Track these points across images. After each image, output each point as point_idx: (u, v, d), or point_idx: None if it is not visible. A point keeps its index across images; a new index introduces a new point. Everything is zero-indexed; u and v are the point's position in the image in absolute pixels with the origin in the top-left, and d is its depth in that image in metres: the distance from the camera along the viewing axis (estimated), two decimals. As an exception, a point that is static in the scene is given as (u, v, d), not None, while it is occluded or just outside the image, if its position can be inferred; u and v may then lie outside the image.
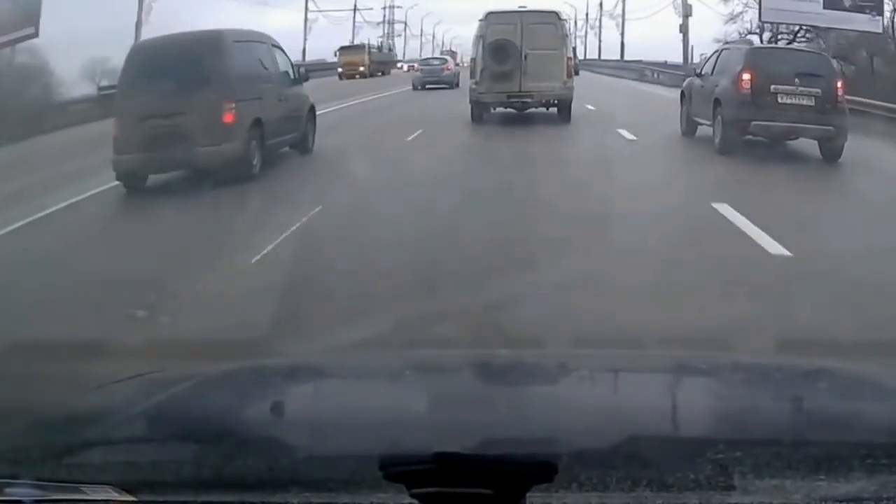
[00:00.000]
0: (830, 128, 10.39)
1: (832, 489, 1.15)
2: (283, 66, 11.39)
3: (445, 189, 8.45)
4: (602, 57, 44.85)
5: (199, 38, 10.28)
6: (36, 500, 1.20)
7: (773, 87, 10.60)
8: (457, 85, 25.17)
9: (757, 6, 28.12)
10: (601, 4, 47.71)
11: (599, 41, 46.69)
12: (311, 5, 42.48)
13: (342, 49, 38.84)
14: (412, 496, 1.08)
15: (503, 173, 9.52)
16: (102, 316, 4.77)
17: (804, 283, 5.21)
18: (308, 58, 36.28)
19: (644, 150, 11.73)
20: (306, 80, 12.31)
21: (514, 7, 15.57)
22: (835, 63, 13.08)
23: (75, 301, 5.19)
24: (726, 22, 32.33)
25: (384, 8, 49.40)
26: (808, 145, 10.92)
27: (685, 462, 1.18)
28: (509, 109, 15.02)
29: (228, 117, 9.41)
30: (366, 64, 37.37)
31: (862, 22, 23.04)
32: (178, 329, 4.44)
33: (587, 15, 51.93)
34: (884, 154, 11.57)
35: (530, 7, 15.60)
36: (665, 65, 29.35)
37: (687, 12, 28.35)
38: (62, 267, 6.27)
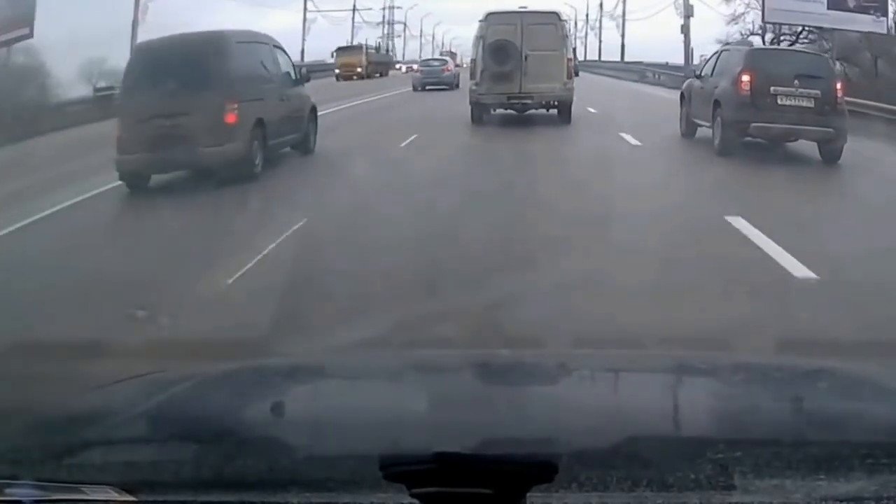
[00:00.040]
0: (830, 129, 10.40)
1: (832, 489, 1.15)
2: (285, 66, 11.46)
3: (442, 201, 7.86)
4: (602, 58, 44.86)
5: (202, 38, 10.34)
6: (36, 500, 1.20)
7: (772, 88, 10.60)
8: (457, 86, 25.18)
9: (759, 7, 28.10)
10: (601, 5, 47.74)
11: (599, 42, 46.69)
12: (309, 5, 42.41)
13: (339, 50, 38.63)
14: (412, 496, 1.08)
15: (503, 174, 9.54)
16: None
17: (838, 313, 4.69)
18: (307, 58, 36.19)
19: (649, 156, 11.44)
20: (307, 80, 12.37)
21: (515, 8, 15.56)
22: (838, 65, 13.09)
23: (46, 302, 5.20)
24: (728, 23, 32.32)
25: (383, 8, 49.38)
26: (808, 147, 10.87)
27: (685, 462, 1.18)
28: (509, 111, 15.02)
29: (231, 118, 9.46)
30: (363, 65, 37.17)
31: (866, 23, 22.96)
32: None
33: (587, 16, 51.99)
34: (889, 157, 11.42)
35: (530, 8, 15.60)
36: (666, 66, 29.28)
37: (688, 13, 28.34)
38: (44, 267, 6.30)
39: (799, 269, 5.43)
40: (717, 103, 11.13)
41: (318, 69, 31.26)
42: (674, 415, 1.54)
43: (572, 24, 34.43)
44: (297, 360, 2.39)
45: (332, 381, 1.81)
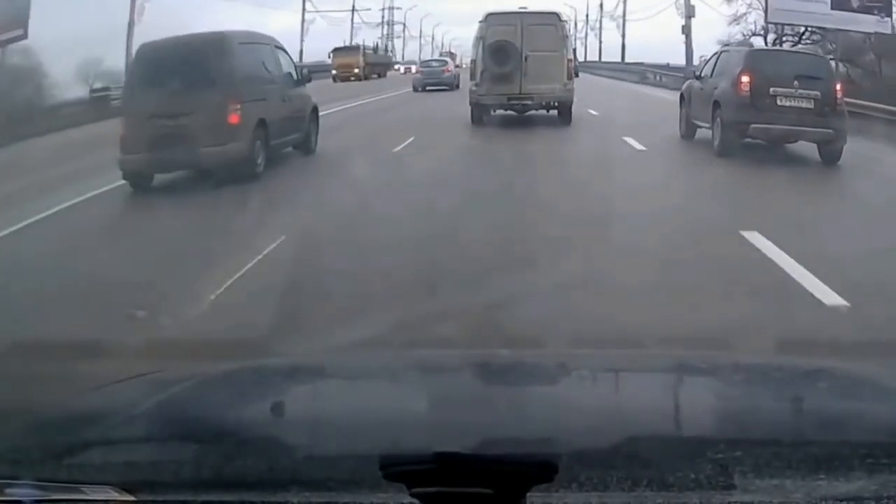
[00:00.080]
0: (830, 131, 10.40)
1: (832, 488, 1.15)
2: (287, 67, 11.56)
3: (439, 215, 7.41)
4: (602, 59, 44.86)
5: (205, 39, 10.41)
6: (36, 500, 1.20)
7: (772, 89, 10.60)
8: (457, 87, 25.20)
9: (760, 7, 28.08)
10: (601, 5, 47.75)
11: (600, 43, 46.71)
12: (308, 6, 42.31)
13: (336, 50, 38.36)
14: (412, 496, 1.08)
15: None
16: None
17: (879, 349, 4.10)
18: (305, 59, 36.10)
19: (654, 162, 11.10)
20: (309, 81, 12.45)
21: (515, 8, 15.56)
22: (841, 66, 13.07)
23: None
24: (730, 23, 32.33)
25: (383, 9, 49.37)
26: (812, 148, 10.77)
27: (685, 462, 1.18)
28: (509, 112, 15.02)
29: (234, 118, 9.54)
30: (360, 66, 36.89)
31: (870, 23, 22.89)
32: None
33: (587, 16, 52.00)
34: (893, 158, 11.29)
35: (530, 8, 15.60)
36: (667, 67, 29.23)
37: (689, 13, 28.33)
38: (38, 269, 6.30)
39: (828, 296, 4.87)
40: (716, 104, 11.13)
41: (317, 70, 31.23)
42: (674, 415, 1.54)
43: (572, 24, 34.50)
44: (297, 360, 2.39)
45: (332, 381, 1.81)
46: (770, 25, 29.10)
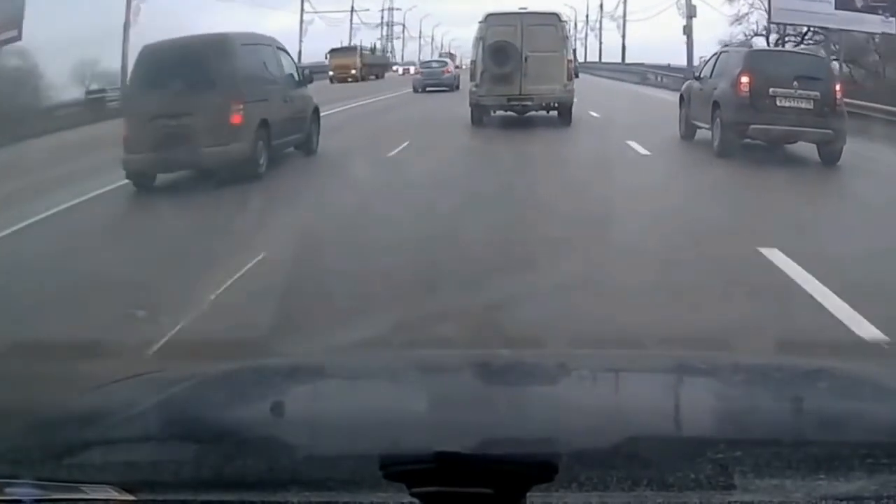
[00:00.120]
0: (829, 131, 10.40)
1: (832, 488, 1.16)
2: (288, 68, 11.66)
3: (437, 218, 7.13)
4: (602, 59, 44.87)
5: (207, 40, 10.48)
6: (36, 500, 1.20)
7: (771, 90, 10.61)
8: (457, 87, 25.23)
9: (763, 7, 28.03)
10: (601, 5, 47.78)
11: (600, 43, 46.75)
12: (306, 6, 42.25)
13: (332, 51, 38.19)
14: (412, 496, 1.08)
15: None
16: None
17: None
18: (304, 60, 36.02)
19: (660, 167, 10.73)
20: (310, 81, 12.53)
21: (514, 9, 15.55)
22: (844, 67, 13.03)
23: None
24: (732, 23, 32.37)
25: (382, 10, 49.36)
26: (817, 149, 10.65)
27: (685, 462, 1.18)
28: (509, 112, 15.01)
29: (236, 118, 9.61)
30: (357, 67, 36.69)
31: (875, 23, 22.77)
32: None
33: (587, 17, 52.03)
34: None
35: (530, 9, 15.59)
36: (668, 68, 29.20)
37: (691, 13, 28.31)
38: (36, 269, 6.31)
39: (864, 328, 4.29)
40: (716, 105, 11.13)
41: (315, 71, 31.18)
42: (674, 415, 1.54)
43: (572, 24, 34.48)
44: (297, 360, 2.39)
45: (332, 381, 1.81)
46: (773, 25, 29.07)
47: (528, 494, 1.09)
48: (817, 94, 10.55)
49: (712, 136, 11.24)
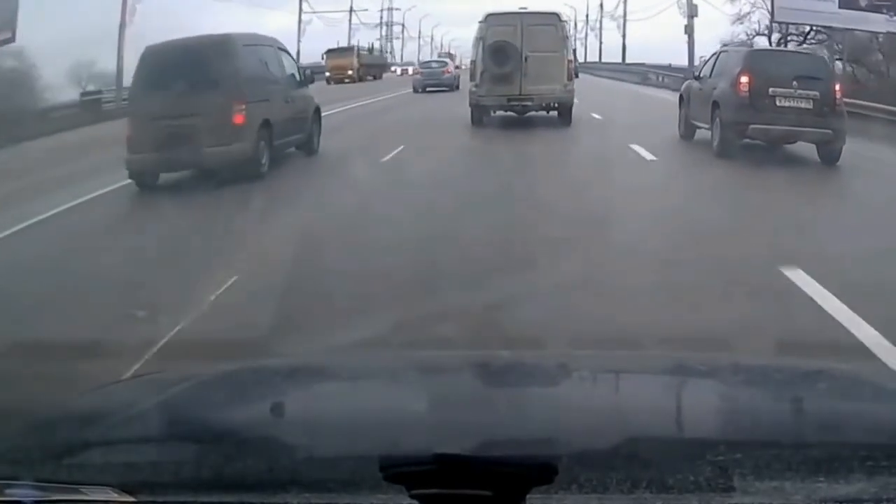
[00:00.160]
0: (829, 131, 10.40)
1: (832, 491, 1.15)
2: (290, 68, 11.76)
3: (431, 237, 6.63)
4: (602, 59, 44.86)
5: (209, 41, 10.55)
6: (36, 501, 1.20)
7: (771, 90, 10.61)
8: (457, 87, 25.24)
9: (765, 6, 27.93)
10: (601, 5, 47.77)
11: (600, 43, 46.75)
12: (305, 6, 42.12)
13: (329, 52, 37.87)
14: (412, 497, 1.08)
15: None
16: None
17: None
18: (302, 61, 35.85)
19: (667, 175, 10.16)
20: (312, 82, 12.61)
21: (514, 8, 15.55)
22: (846, 66, 12.99)
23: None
24: (733, 23, 32.34)
25: (381, 10, 49.31)
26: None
27: (685, 463, 1.18)
28: (509, 113, 15.00)
29: (238, 118, 9.69)
30: (355, 67, 36.41)
31: (879, 22, 22.64)
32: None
33: (587, 16, 52.02)
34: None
35: (530, 8, 15.58)
36: (669, 68, 29.12)
37: (692, 13, 28.27)
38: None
39: None
40: (715, 105, 11.13)
41: (316, 71, 31.04)
42: (673, 416, 1.54)
43: (572, 24, 34.44)
44: (297, 360, 2.39)
45: (332, 381, 1.81)
46: (775, 25, 29.00)
47: (527, 496, 1.09)
48: (817, 93, 10.55)
49: (712, 136, 11.24)
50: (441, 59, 33.19)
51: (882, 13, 22.44)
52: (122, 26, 22.56)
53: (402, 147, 12.01)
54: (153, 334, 4.25)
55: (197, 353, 3.80)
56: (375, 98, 23.59)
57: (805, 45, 27.76)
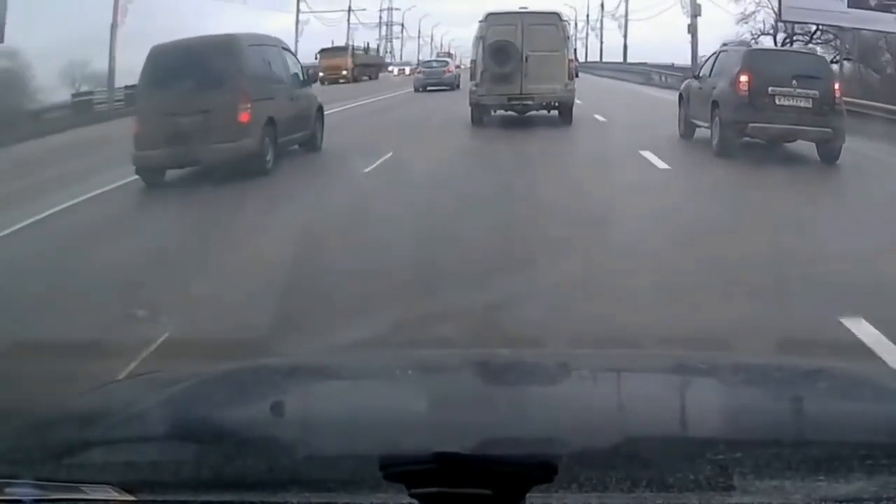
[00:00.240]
0: (828, 130, 10.42)
1: (832, 490, 1.15)
2: (293, 68, 11.99)
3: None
4: (603, 59, 44.81)
5: (216, 41, 10.76)
6: (36, 500, 1.20)
7: (770, 89, 10.62)
8: (457, 87, 25.24)
9: (770, 6, 27.72)
10: (602, 4, 47.71)
11: (601, 43, 46.71)
12: (302, 6, 41.95)
13: (322, 52, 37.34)
14: (412, 496, 1.08)
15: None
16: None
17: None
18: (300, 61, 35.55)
19: (682, 184, 9.35)
20: (315, 81, 12.70)
21: (515, 8, 15.55)
22: (850, 66, 12.92)
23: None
24: (738, 22, 32.20)
25: (381, 10, 49.23)
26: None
27: (685, 462, 1.18)
28: (510, 112, 14.99)
29: (244, 116, 9.89)
30: (349, 67, 36.03)
31: (888, 22, 22.38)
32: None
33: (587, 16, 51.98)
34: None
35: (531, 8, 15.58)
36: (672, 67, 28.98)
37: (695, 12, 28.16)
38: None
39: None
40: (715, 104, 11.14)
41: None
42: (673, 415, 1.53)
43: (572, 24, 34.33)
44: (297, 360, 2.39)
45: (332, 381, 1.81)
46: (780, 24, 28.87)
47: (527, 495, 1.09)
48: (816, 92, 10.56)
49: (711, 135, 11.25)
50: (441, 59, 33.14)
51: (892, 13, 22.22)
52: (113, 26, 22.53)
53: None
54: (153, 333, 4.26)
55: (197, 353, 3.80)
56: (375, 98, 23.58)
57: (810, 45, 27.61)
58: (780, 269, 5.45)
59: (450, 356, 2.21)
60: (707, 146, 11.27)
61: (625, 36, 41.31)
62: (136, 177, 9.89)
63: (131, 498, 1.21)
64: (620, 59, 40.22)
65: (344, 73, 35.05)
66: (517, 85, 14.40)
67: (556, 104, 14.69)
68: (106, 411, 1.53)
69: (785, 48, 24.02)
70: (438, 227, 6.85)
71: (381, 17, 49.59)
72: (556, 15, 15.17)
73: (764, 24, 31.59)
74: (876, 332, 4.12)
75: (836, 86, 11.01)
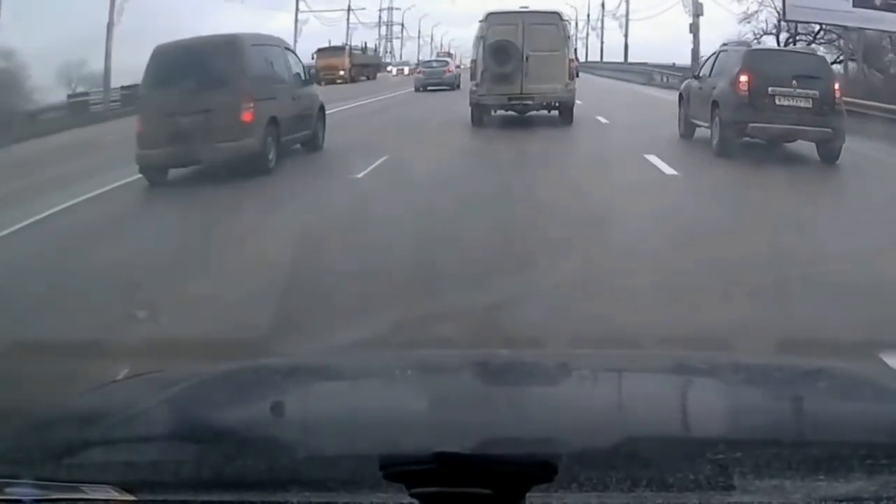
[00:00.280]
0: (828, 130, 10.42)
1: (832, 489, 1.15)
2: (295, 67, 12.05)
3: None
4: (604, 59, 44.75)
5: (219, 41, 10.80)
6: (36, 500, 1.20)
7: (770, 89, 10.62)
8: (458, 87, 25.23)
9: (773, 5, 27.56)
10: (603, 4, 47.65)
11: (602, 43, 46.66)
12: (301, 6, 41.85)
13: (319, 51, 36.95)
14: (412, 496, 1.08)
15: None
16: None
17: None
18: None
19: (693, 193, 8.80)
20: (317, 81, 12.75)
21: (515, 8, 15.53)
22: (853, 65, 12.90)
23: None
24: (740, 21, 32.12)
25: (380, 10, 49.18)
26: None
27: (685, 462, 1.18)
28: (510, 112, 14.98)
29: (247, 116, 9.96)
30: (346, 67, 35.76)
31: (894, 22, 22.31)
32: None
33: (588, 15, 51.95)
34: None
35: (531, 8, 15.56)
36: (673, 67, 28.89)
37: (697, 11, 28.07)
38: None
39: None
40: (715, 104, 11.14)
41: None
42: (673, 415, 1.53)
43: (573, 24, 34.30)
44: (297, 360, 2.39)
45: (332, 381, 1.81)
46: (783, 24, 28.76)
47: (527, 495, 1.09)
48: (816, 92, 10.57)
49: (711, 135, 11.25)
50: (442, 59, 33.11)
51: (898, 12, 22.12)
52: (109, 26, 22.51)
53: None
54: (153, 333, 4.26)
55: (197, 353, 3.80)
56: (375, 98, 23.57)
57: (813, 46, 27.53)
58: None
59: (450, 356, 2.21)
60: (707, 146, 11.25)
61: (626, 35, 41.27)
62: (136, 177, 9.92)
63: (131, 498, 1.21)
64: (621, 59, 40.17)
65: (341, 73, 34.86)
66: (517, 85, 14.39)
67: (557, 104, 14.67)
68: (106, 411, 1.53)
69: (785, 48, 23.93)
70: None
71: (380, 17, 49.57)
72: (557, 14, 15.15)
73: (766, 24, 31.56)
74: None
75: (836, 86, 11.01)
